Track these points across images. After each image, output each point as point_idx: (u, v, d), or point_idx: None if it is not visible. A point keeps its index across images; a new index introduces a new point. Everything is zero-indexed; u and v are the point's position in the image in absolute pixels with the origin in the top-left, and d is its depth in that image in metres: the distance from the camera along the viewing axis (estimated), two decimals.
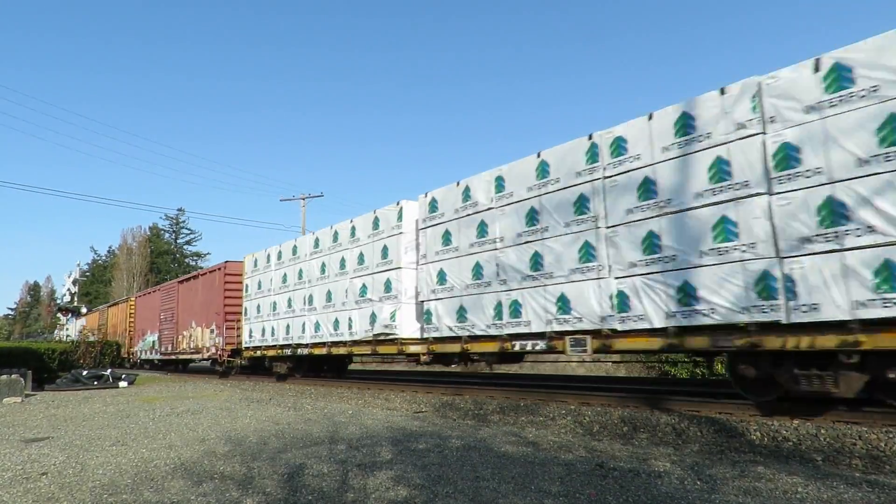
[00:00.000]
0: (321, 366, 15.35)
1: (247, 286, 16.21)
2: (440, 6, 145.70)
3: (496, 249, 8.45)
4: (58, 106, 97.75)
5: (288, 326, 13.79)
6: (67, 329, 32.29)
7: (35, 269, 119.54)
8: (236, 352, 16.73)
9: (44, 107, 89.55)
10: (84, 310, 33.99)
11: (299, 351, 13.38)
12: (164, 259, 61.50)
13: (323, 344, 12.52)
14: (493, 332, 8.38)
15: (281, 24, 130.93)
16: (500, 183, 8.60)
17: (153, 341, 23.48)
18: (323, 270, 12.64)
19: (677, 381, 12.44)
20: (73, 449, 5.92)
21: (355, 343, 11.50)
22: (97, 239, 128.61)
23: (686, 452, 5.11)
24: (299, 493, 3.97)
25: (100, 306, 36.03)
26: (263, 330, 14.99)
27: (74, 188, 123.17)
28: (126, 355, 26.93)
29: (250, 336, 15.72)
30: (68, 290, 30.57)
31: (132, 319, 27.19)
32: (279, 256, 14.62)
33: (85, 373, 15.63)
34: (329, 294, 12.33)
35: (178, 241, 64.95)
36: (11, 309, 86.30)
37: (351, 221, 11.86)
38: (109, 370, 16.74)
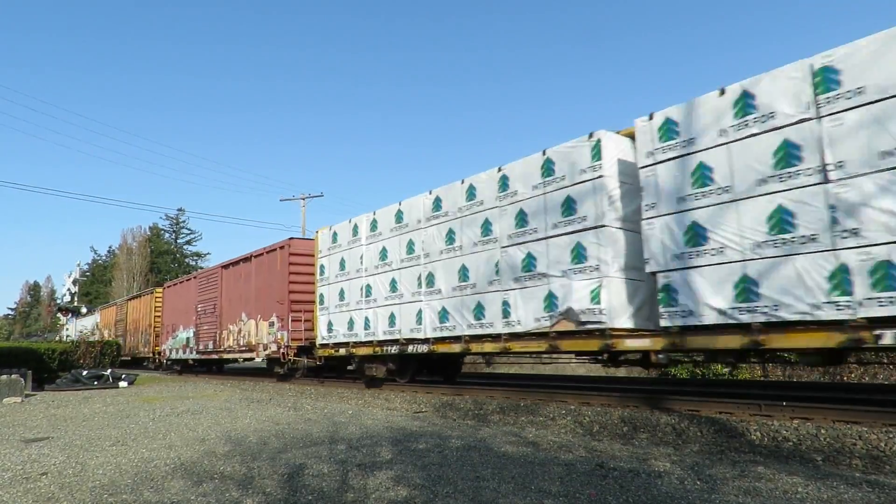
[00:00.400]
0: (422, 368, 12.12)
1: (322, 267, 12.65)
2: (440, 6, 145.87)
3: (829, 182, 5.27)
4: (58, 106, 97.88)
5: (392, 316, 10.49)
6: (67, 329, 32.01)
7: (35, 269, 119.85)
8: (304, 349, 13.84)
9: (44, 107, 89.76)
10: (84, 309, 33.66)
11: (411, 348, 10.12)
12: (165, 259, 61.54)
13: (456, 339, 9.16)
14: (828, 313, 5.20)
15: (281, 24, 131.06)
16: (827, 76, 5.41)
17: (187, 338, 20.10)
18: (451, 240, 9.42)
19: (677, 381, 12.46)
20: (73, 449, 5.92)
21: (515, 337, 8.18)
22: (97, 239, 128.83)
23: (686, 452, 5.11)
24: (299, 493, 3.97)
25: (117, 300, 33.24)
26: (351, 322, 11.56)
27: (74, 188, 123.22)
28: (151, 354, 23.94)
29: (329, 330, 12.25)
30: (68, 290, 30.46)
31: (159, 313, 23.60)
32: (373, 227, 11.23)
33: (85, 373, 15.64)
34: (464, 270, 9.08)
35: (178, 241, 64.99)
36: (11, 309, 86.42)
37: (499, 170, 8.71)
38: (110, 370, 16.74)
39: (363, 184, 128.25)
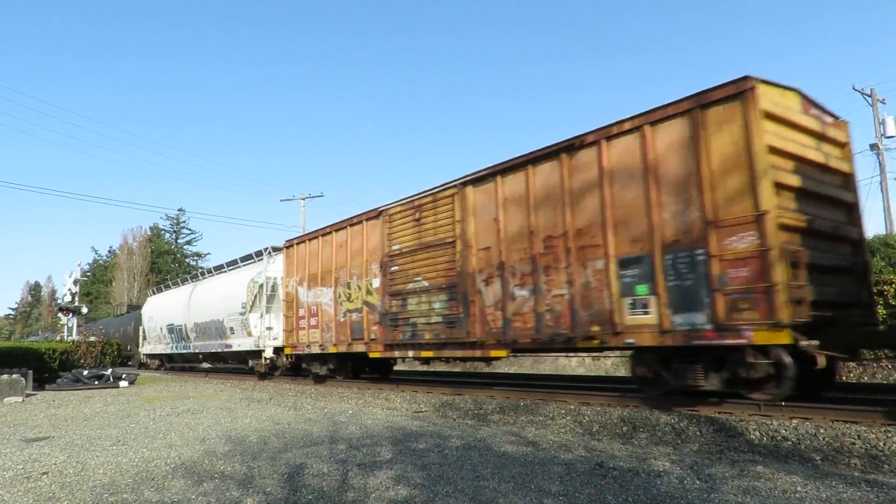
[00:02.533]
0: None
1: None
2: (441, 8, 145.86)
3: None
4: (58, 105, 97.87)
5: None
6: (69, 326, 31.53)
7: (36, 269, 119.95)
8: None
9: (45, 107, 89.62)
10: (85, 309, 33.25)
11: None
12: (165, 259, 61.54)
13: None
14: None
15: (281, 23, 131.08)
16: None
17: None
18: None
19: None
20: (73, 448, 5.93)
21: None
22: (98, 239, 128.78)
23: (685, 452, 5.12)
24: (299, 492, 3.98)
25: (351, 216, 11.72)
26: None
27: (74, 188, 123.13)
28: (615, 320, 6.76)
29: None
30: (69, 290, 30.37)
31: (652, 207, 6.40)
32: None
33: (86, 372, 15.65)
34: None
35: (178, 242, 65.01)
36: (12, 309, 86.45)
37: None
38: (110, 370, 16.74)
39: (363, 184, 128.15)
